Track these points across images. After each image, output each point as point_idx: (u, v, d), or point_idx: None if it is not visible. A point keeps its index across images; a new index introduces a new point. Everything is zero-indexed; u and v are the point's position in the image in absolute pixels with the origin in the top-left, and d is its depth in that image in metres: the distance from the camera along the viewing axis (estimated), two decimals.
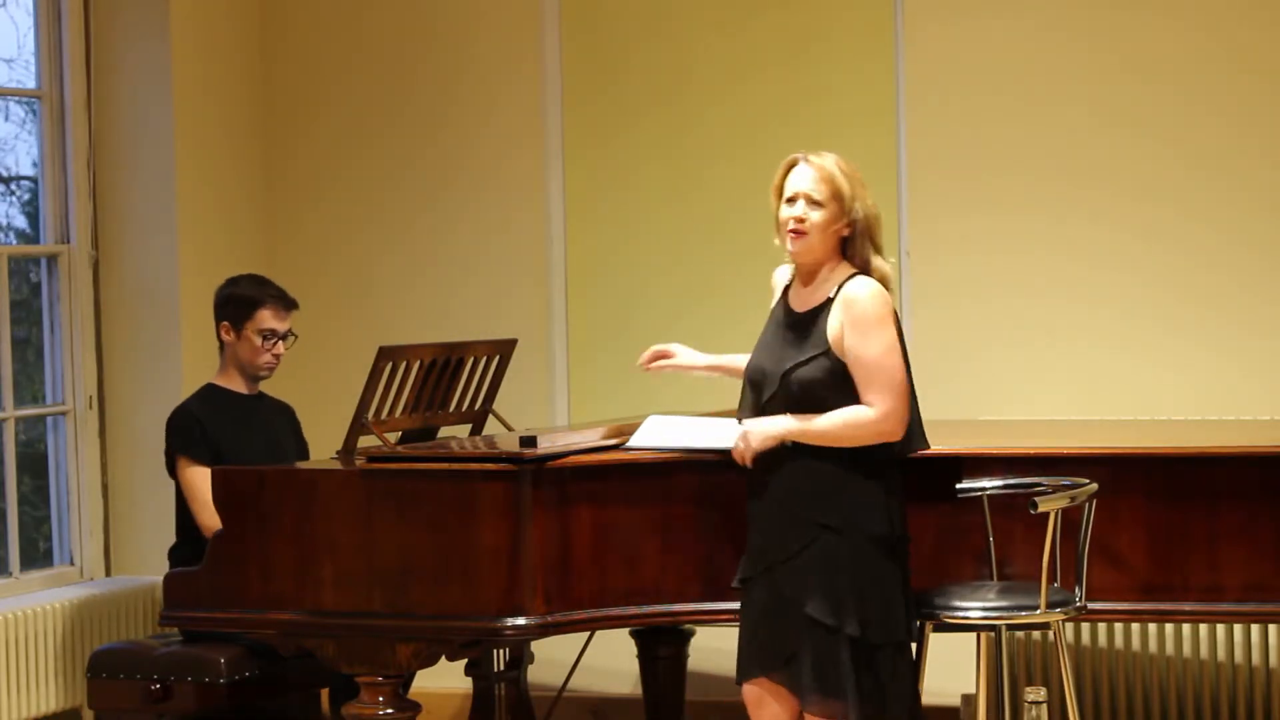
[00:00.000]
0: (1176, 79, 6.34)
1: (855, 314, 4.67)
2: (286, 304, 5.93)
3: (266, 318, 5.88)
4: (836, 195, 4.70)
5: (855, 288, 4.71)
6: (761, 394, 4.76)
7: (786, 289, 4.88)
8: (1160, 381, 6.33)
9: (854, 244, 4.75)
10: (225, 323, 5.89)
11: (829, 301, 4.73)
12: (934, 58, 6.52)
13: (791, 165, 4.78)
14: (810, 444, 4.69)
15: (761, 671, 4.74)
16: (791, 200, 4.74)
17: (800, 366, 4.70)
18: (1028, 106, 6.45)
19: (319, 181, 7.11)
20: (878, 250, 4.77)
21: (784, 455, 4.73)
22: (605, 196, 6.87)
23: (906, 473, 4.93)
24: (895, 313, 4.76)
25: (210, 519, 5.57)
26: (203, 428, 5.81)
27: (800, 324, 4.77)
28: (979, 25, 6.49)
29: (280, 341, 5.91)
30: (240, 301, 5.87)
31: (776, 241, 4.82)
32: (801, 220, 4.70)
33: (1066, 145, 6.42)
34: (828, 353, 4.69)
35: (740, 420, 4.85)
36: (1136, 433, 5.72)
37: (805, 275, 4.81)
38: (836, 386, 4.70)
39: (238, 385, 5.95)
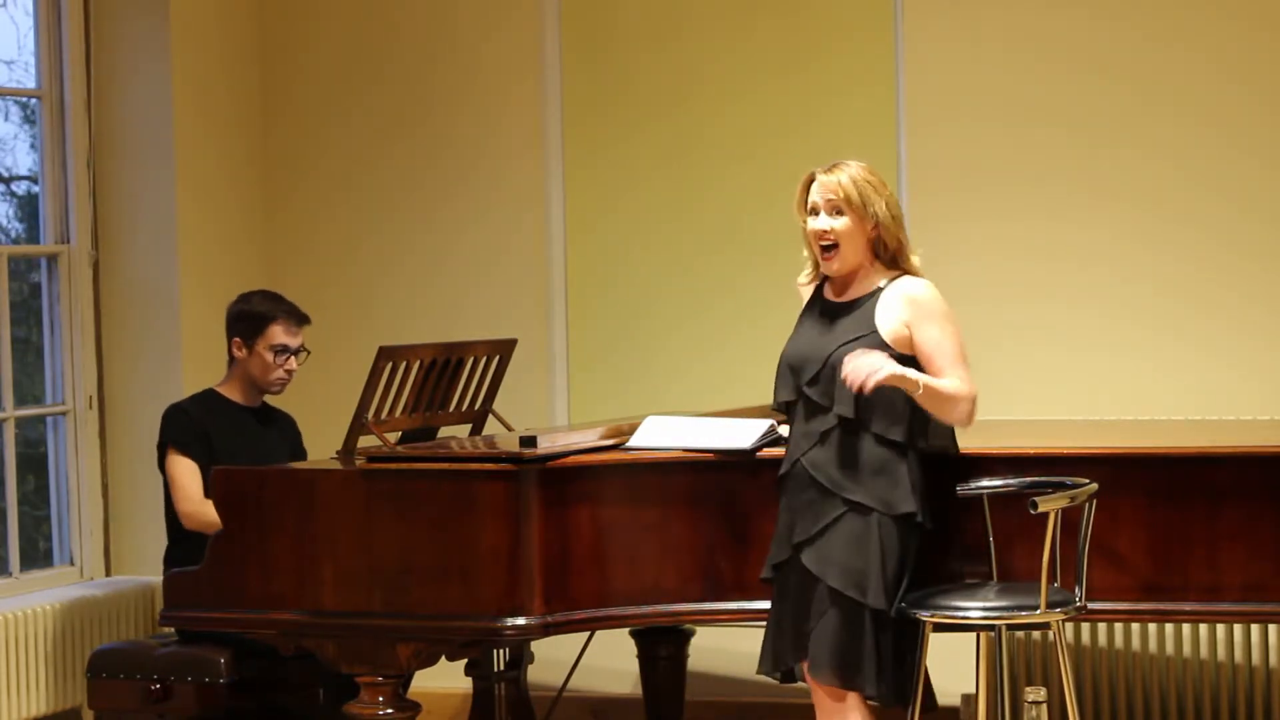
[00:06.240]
0: (1173, 90, 6.36)
1: (926, 308, 4.79)
2: (299, 319, 5.90)
3: (278, 333, 5.86)
4: (850, 201, 4.80)
5: (914, 285, 4.83)
6: (801, 376, 4.82)
7: (820, 288, 4.95)
8: (1158, 385, 6.33)
9: (882, 242, 4.85)
10: (237, 338, 5.86)
11: (877, 292, 4.83)
12: (934, 68, 6.52)
13: (809, 181, 4.90)
14: (919, 402, 4.72)
15: (797, 658, 4.77)
16: (814, 212, 4.85)
17: (845, 345, 4.75)
18: (1026, 116, 6.45)
19: (320, 187, 7.09)
20: (905, 244, 4.88)
21: (832, 431, 4.76)
22: (605, 210, 6.86)
23: None
24: None
25: (188, 506, 5.62)
26: (194, 422, 5.80)
27: (840, 311, 4.85)
28: (978, 36, 6.49)
29: (292, 357, 5.89)
30: (252, 317, 5.85)
31: (805, 254, 4.93)
32: (827, 232, 4.82)
33: (1064, 154, 6.42)
34: (874, 334, 4.76)
35: (779, 404, 4.89)
36: (1136, 433, 5.71)
37: (843, 279, 4.89)
38: None
39: (239, 396, 5.93)
